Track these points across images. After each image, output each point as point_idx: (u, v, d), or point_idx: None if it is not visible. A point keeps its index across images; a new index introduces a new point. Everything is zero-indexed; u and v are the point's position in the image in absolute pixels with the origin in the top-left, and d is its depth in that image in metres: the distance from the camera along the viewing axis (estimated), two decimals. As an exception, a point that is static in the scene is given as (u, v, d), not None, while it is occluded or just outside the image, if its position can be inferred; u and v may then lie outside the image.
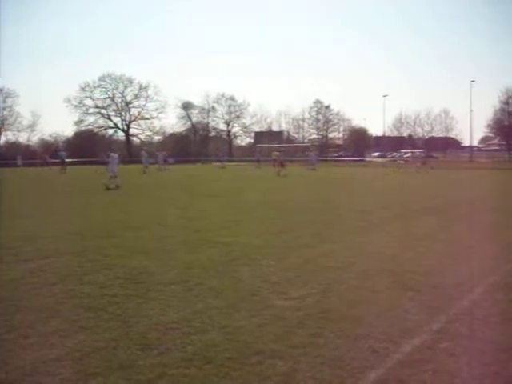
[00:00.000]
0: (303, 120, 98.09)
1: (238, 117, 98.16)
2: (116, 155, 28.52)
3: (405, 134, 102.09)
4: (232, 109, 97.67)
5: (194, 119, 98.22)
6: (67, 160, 50.40)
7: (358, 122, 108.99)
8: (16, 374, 4.32)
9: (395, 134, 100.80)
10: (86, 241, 10.37)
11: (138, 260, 8.52)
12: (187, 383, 4.13)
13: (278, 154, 43.70)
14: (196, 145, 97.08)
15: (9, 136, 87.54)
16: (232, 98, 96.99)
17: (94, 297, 6.48)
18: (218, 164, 64.20)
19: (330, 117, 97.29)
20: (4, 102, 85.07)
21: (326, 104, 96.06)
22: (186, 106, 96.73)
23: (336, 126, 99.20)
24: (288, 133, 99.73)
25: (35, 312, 5.90)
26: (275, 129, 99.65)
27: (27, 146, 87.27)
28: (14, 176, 43.12)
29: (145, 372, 4.31)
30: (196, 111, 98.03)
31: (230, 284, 7.03)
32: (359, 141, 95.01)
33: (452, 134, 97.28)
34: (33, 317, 5.73)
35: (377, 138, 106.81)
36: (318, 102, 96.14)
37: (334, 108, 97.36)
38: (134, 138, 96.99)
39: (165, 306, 6.10)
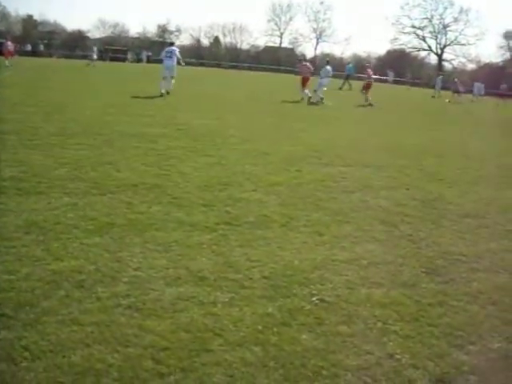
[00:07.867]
0: None
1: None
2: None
3: None
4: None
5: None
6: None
7: None
8: (307, 265, 4.73)
9: None
10: (389, 158, 10.56)
11: (435, 186, 8.42)
12: (466, 318, 4.03)
13: None
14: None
15: (324, 48, 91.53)
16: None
17: (388, 212, 6.65)
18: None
19: None
20: (324, 13, 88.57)
21: None
22: (509, 36, 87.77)
23: None
24: None
25: (332, 214, 6.31)
26: None
27: (341, 59, 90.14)
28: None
29: (426, 295, 4.30)
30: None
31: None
32: None
33: None
34: (329, 218, 6.15)
35: None
36: None
37: None
38: (446, 64, 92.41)
39: (456, 237, 5.95)
